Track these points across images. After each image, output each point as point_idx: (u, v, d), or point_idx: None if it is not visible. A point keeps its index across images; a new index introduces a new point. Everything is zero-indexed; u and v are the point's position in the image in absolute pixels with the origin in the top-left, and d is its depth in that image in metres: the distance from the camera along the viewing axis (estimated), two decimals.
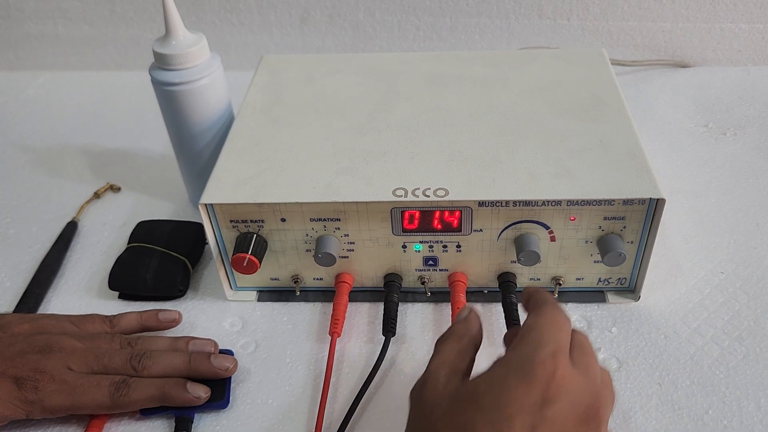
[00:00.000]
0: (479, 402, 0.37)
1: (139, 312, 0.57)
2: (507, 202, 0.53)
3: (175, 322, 0.58)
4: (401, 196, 0.53)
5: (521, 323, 0.54)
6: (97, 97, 0.96)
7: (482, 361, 0.55)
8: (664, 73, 0.93)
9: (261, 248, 0.57)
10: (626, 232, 0.55)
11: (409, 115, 0.63)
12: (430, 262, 0.58)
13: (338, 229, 0.56)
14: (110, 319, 0.56)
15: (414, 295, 0.61)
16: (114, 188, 0.77)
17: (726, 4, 0.88)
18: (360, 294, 0.61)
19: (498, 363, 0.39)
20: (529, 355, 0.38)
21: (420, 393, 0.41)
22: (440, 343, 0.44)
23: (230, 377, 0.54)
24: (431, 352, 0.55)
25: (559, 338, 0.39)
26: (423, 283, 0.60)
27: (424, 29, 0.94)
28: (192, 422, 0.51)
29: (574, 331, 0.42)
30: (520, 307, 0.55)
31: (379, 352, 0.55)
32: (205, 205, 0.55)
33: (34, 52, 1.01)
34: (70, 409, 0.49)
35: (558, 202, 0.53)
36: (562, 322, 0.41)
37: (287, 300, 0.61)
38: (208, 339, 0.55)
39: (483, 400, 0.37)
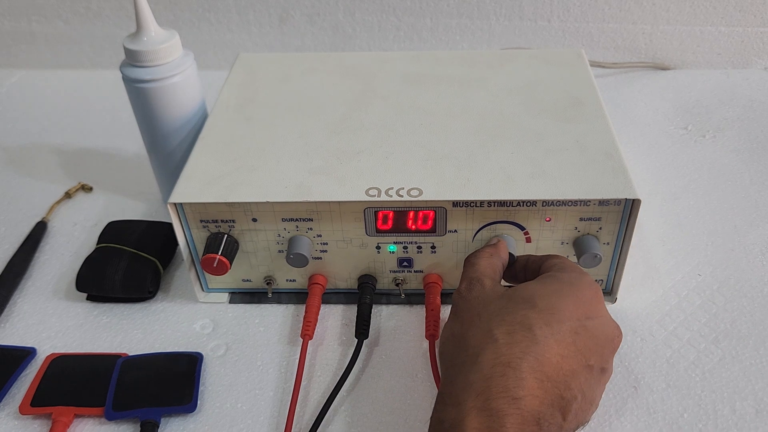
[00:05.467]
0: (536, 304, 0.43)
1: None
2: (482, 203, 0.52)
3: None
4: (374, 195, 0.52)
5: None
6: (72, 95, 0.94)
7: None
8: (644, 75, 0.93)
9: (232, 249, 0.55)
10: (602, 233, 0.54)
11: (384, 114, 0.62)
12: (405, 264, 0.57)
13: (311, 229, 0.55)
14: None
15: (388, 297, 0.60)
16: (86, 188, 0.75)
17: (706, 7, 0.88)
18: (334, 296, 0.60)
19: (549, 278, 0.47)
20: (578, 277, 0.46)
21: (469, 292, 0.47)
22: (473, 257, 0.51)
23: (198, 380, 0.53)
24: (405, 354, 0.55)
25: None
26: (398, 285, 0.59)
27: (404, 30, 0.94)
28: (158, 426, 0.50)
29: None
30: None
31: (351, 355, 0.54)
32: (175, 204, 0.54)
33: (7, 50, 0.99)
34: None
35: (533, 203, 0.52)
36: None
37: (259, 302, 0.60)
38: None
39: (539, 303, 0.43)
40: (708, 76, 0.92)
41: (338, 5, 0.92)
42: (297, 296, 0.60)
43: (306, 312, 0.57)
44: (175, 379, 0.53)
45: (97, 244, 0.63)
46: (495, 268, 0.50)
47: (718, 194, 0.71)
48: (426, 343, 0.56)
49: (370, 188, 0.53)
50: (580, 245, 0.54)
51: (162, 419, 0.50)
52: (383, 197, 0.52)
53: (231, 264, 0.55)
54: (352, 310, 0.59)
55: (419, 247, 0.56)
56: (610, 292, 0.59)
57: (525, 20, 0.91)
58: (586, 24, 0.91)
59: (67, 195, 0.74)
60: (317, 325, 0.57)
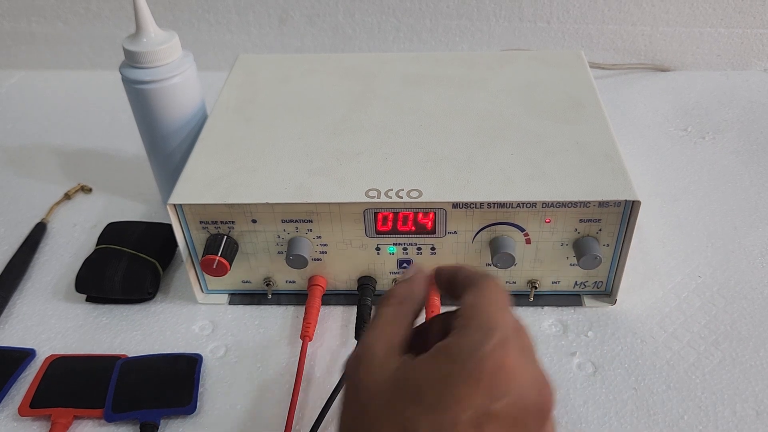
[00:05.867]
0: (422, 399, 0.33)
1: None
2: (481, 204, 0.52)
3: None
4: (374, 197, 0.52)
5: None
6: (72, 96, 0.94)
7: None
8: (644, 76, 0.93)
9: (231, 250, 0.55)
10: (602, 234, 0.54)
11: (384, 115, 0.62)
12: (405, 265, 0.57)
13: (310, 230, 0.55)
14: None
15: None
16: (85, 189, 0.75)
17: (705, 8, 0.88)
18: (333, 297, 0.60)
19: (442, 352, 0.34)
20: (476, 345, 0.33)
21: (356, 373, 0.36)
22: (379, 306, 0.39)
23: (197, 381, 0.52)
24: None
25: (506, 322, 0.35)
26: None
27: (404, 31, 0.94)
28: (157, 428, 0.50)
29: None
30: None
31: None
32: (174, 205, 0.54)
33: (7, 51, 0.99)
34: None
35: (533, 204, 0.52)
36: (506, 299, 0.36)
37: (259, 303, 0.60)
38: None
39: (426, 398, 0.33)
40: (707, 78, 0.92)
41: (338, 6, 0.92)
42: (297, 297, 0.60)
43: (306, 313, 0.57)
44: (174, 380, 0.52)
45: (97, 245, 0.63)
46: (399, 319, 0.38)
47: (718, 196, 0.71)
48: None
49: (370, 189, 0.53)
50: (579, 247, 0.54)
51: (161, 421, 0.50)
52: (383, 198, 0.52)
53: (230, 265, 0.55)
54: (352, 312, 0.58)
55: (419, 249, 0.56)
56: (609, 293, 0.59)
57: (525, 22, 0.91)
58: (586, 25, 0.91)
59: (67, 196, 0.74)
60: (317, 326, 0.57)
